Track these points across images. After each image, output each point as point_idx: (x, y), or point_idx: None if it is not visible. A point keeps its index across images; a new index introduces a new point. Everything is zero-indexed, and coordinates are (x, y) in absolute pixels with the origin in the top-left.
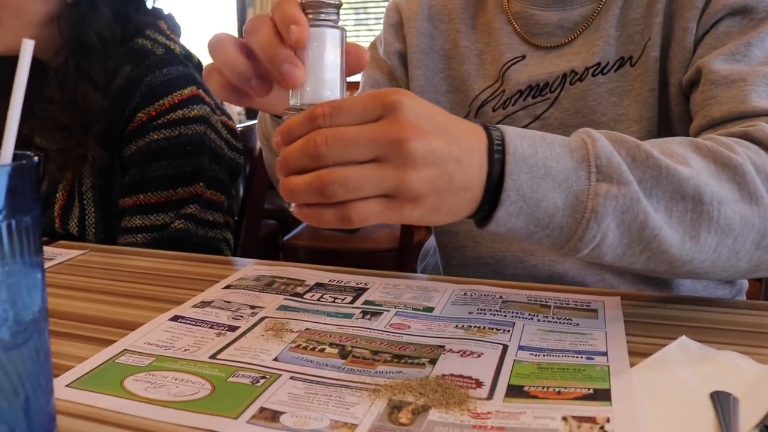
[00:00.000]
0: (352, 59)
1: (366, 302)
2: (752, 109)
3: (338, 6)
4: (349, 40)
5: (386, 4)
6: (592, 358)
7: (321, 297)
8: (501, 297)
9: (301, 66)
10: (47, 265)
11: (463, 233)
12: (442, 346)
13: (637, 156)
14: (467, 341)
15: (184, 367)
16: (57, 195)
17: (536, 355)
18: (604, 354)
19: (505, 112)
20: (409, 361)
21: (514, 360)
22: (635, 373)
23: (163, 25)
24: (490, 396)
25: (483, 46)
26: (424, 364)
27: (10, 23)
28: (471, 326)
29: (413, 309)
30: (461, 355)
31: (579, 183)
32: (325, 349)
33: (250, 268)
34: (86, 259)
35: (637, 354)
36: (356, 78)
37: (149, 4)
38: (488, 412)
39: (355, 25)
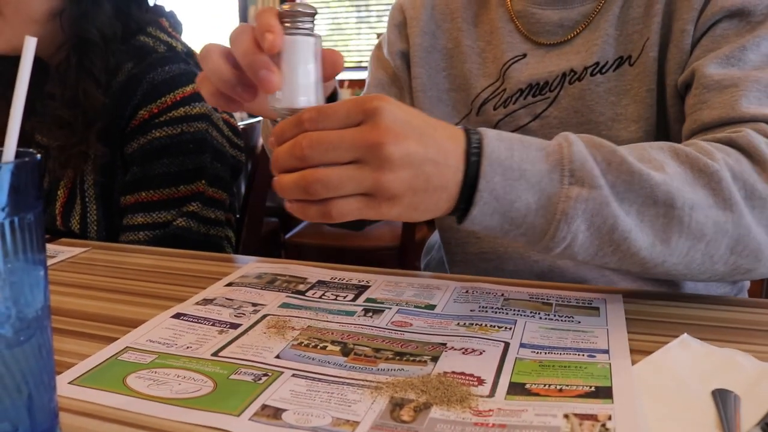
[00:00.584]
0: (328, 64)
1: (368, 300)
2: (741, 115)
3: (313, 15)
4: (350, 37)
5: (388, 1)
6: (594, 356)
7: (323, 294)
8: (503, 295)
9: (276, 71)
10: (49, 262)
11: (465, 230)
12: (444, 344)
13: (612, 161)
14: (469, 339)
15: (187, 365)
16: (58, 192)
17: (538, 352)
18: (606, 352)
19: (505, 110)
20: (411, 358)
21: (516, 357)
22: (637, 370)
23: (164, 22)
24: (492, 393)
25: (485, 44)
26: (425, 361)
27: (12, 19)
28: (473, 324)
29: (415, 306)
30: (463, 353)
31: (552, 186)
32: (327, 346)
33: (252, 265)
34: (88, 257)
35: (638, 352)
36: (361, 76)
37: (151, 2)
38: (490, 410)
39: (357, 22)
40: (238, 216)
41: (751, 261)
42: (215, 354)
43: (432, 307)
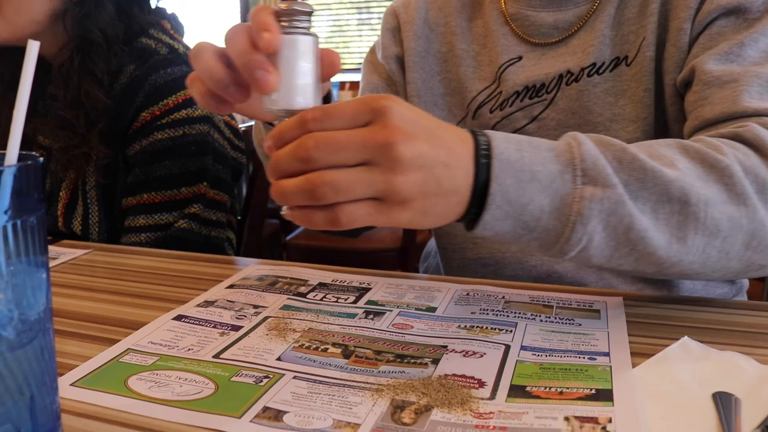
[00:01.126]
0: (325, 65)
1: (369, 302)
2: (744, 110)
3: (309, 14)
4: (351, 39)
5: (389, 4)
6: (595, 359)
7: (324, 297)
8: (503, 297)
9: (273, 71)
10: (51, 264)
11: (463, 235)
12: (445, 346)
13: (623, 159)
14: (470, 341)
15: (188, 367)
16: (60, 194)
17: (538, 355)
18: (607, 354)
19: (502, 113)
20: (412, 361)
21: (517, 360)
22: (637, 373)
23: (166, 24)
24: (493, 396)
25: (479, 48)
26: (426, 364)
27: (12, 19)
28: (473, 326)
29: (416, 309)
30: (464, 355)
31: (564, 186)
32: (328, 348)
33: (253, 267)
34: (90, 259)
35: (639, 354)
36: (355, 78)
37: (153, 4)
38: (490, 412)
39: (358, 24)
40: (239, 218)
41: (765, 256)
42: (216, 356)
43: (433, 309)
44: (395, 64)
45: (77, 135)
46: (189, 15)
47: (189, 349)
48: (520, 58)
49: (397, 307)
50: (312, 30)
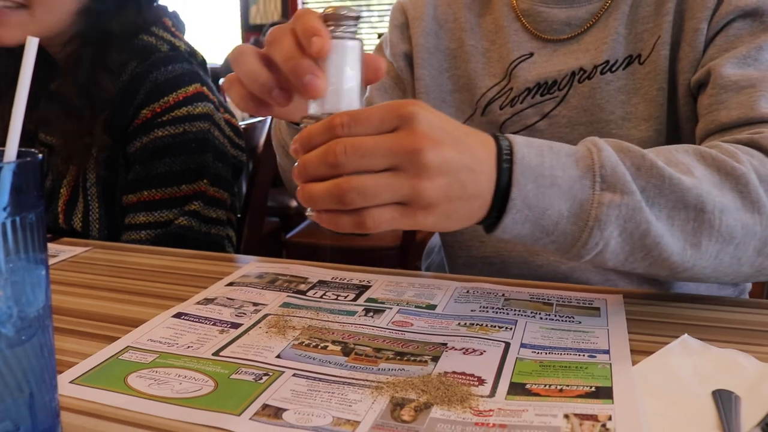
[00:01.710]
0: (369, 70)
1: (369, 300)
2: (761, 116)
3: (357, 18)
4: None
5: (389, 1)
6: (594, 356)
7: (324, 294)
8: (503, 295)
9: (322, 76)
10: (51, 261)
11: (469, 233)
12: (445, 344)
13: (642, 166)
14: (470, 339)
15: (187, 364)
16: (61, 191)
17: (538, 352)
18: (606, 352)
19: (512, 110)
20: (412, 358)
21: (517, 357)
22: (637, 371)
23: (168, 21)
24: (493, 393)
25: (489, 44)
26: (426, 361)
27: (40, 15)
28: (473, 324)
29: (416, 306)
30: (463, 353)
31: (584, 192)
32: (327, 346)
33: (252, 265)
34: (90, 256)
35: (639, 352)
36: None
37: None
38: (490, 410)
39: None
40: (239, 215)
41: None
42: (216, 353)
43: (433, 307)
44: (403, 62)
45: (83, 122)
46: (189, 13)
47: (188, 347)
48: (531, 54)
49: (397, 305)
50: (358, 36)
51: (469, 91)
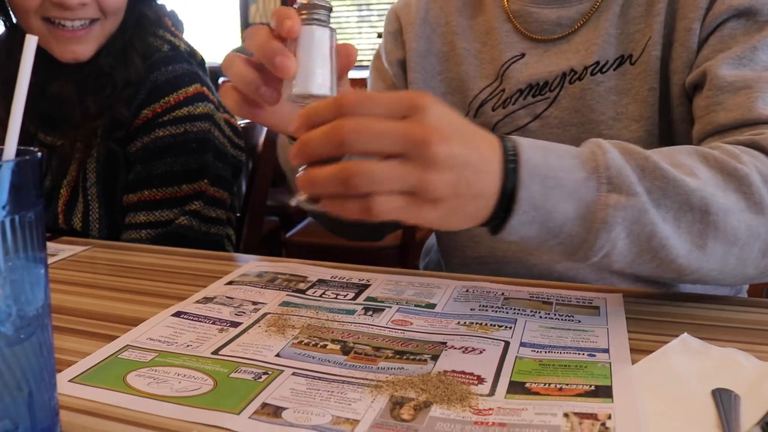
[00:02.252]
0: (342, 57)
1: (368, 299)
2: (759, 117)
3: (328, 8)
4: (351, 36)
5: (389, 0)
6: (594, 355)
7: (323, 293)
8: (503, 294)
9: (291, 57)
10: (50, 260)
11: (463, 233)
12: (444, 343)
13: (646, 167)
14: (469, 338)
15: (187, 363)
16: (61, 191)
17: (538, 351)
18: (606, 351)
19: (504, 111)
20: (411, 357)
21: (516, 356)
22: (637, 370)
23: (167, 21)
24: (492, 392)
25: (480, 46)
26: (425, 360)
27: (111, 26)
28: (473, 323)
29: (415, 305)
30: (463, 352)
31: (589, 194)
32: (327, 345)
33: (252, 264)
34: (89, 255)
35: (638, 351)
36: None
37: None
38: (490, 409)
39: (358, 21)
40: (238, 215)
41: None
42: (215, 352)
43: (432, 306)
44: (398, 68)
45: (106, 98)
46: (188, 12)
47: (188, 346)
48: (522, 55)
49: (397, 304)
50: (331, 25)
51: (461, 93)
